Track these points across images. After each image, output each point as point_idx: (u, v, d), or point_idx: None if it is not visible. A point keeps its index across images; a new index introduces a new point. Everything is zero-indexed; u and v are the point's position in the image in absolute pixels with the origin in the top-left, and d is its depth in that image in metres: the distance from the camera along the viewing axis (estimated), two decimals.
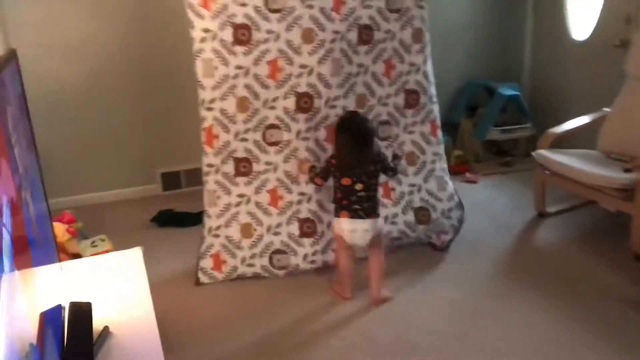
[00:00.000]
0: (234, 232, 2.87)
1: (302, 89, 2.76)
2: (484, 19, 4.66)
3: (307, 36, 2.69)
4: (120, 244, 3.06)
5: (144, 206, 3.92)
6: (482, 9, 4.64)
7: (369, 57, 2.86)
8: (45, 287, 1.34)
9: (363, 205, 2.58)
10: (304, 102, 2.77)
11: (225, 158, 2.80)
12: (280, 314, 2.65)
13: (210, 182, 2.83)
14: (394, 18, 2.85)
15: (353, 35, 2.79)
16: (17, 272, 1.00)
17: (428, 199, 3.09)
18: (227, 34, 2.63)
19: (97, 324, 1.54)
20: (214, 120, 2.76)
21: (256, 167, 2.83)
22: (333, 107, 2.81)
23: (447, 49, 4.48)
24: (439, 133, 3.09)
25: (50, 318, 1.29)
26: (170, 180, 4.22)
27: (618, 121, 3.37)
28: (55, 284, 1.50)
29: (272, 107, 2.77)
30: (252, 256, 2.89)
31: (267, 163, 2.83)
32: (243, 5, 2.60)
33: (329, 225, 2.82)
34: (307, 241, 2.88)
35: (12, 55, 1.31)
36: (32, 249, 1.17)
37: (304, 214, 2.87)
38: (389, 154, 2.91)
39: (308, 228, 2.88)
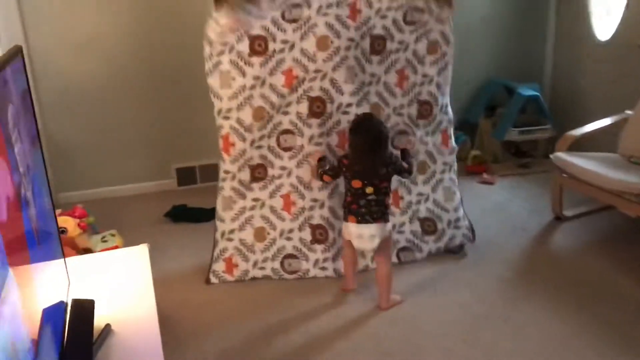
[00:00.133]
0: (248, 235, 2.87)
1: (315, 93, 2.72)
2: (505, 18, 4.59)
3: (323, 44, 2.66)
4: (133, 239, 3.08)
5: (158, 201, 3.93)
6: (503, 8, 4.56)
7: (382, 67, 2.81)
8: (48, 284, 1.34)
9: (371, 210, 2.55)
10: (317, 107, 2.74)
11: (242, 166, 2.81)
12: (288, 314, 2.64)
13: (227, 188, 2.84)
14: (409, 30, 2.79)
15: (366, 44, 2.75)
16: (10, 270, 1.00)
17: (434, 209, 3.06)
18: (244, 46, 2.63)
19: (99, 321, 1.54)
20: (231, 129, 2.76)
21: (270, 171, 2.83)
22: (345, 113, 2.77)
23: (467, 49, 4.41)
24: (451, 142, 3.06)
25: (50, 315, 1.29)
26: (185, 176, 4.23)
27: None
28: (59, 281, 1.51)
29: (286, 112, 2.75)
30: (264, 260, 2.90)
31: (282, 168, 2.83)
32: (262, 18, 2.60)
33: (341, 232, 2.80)
34: (318, 247, 2.88)
35: (16, 52, 1.31)
36: (31, 246, 1.17)
37: (316, 220, 2.85)
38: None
39: (320, 235, 2.86)
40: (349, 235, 2.63)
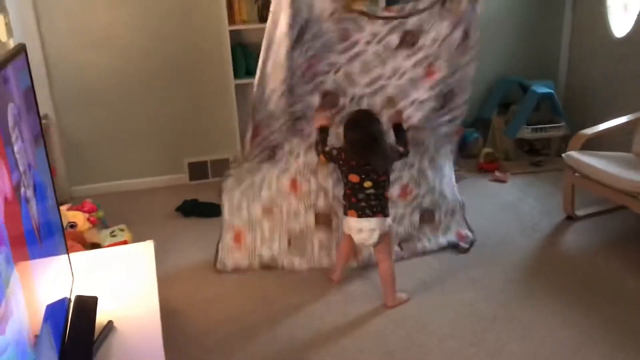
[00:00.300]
0: (257, 212, 2.90)
1: (328, 85, 2.72)
2: (520, 14, 4.53)
3: (343, 35, 2.63)
4: (144, 232, 3.12)
5: (170, 195, 3.96)
6: (518, 4, 4.51)
7: (409, 62, 2.73)
8: (51, 281, 1.36)
9: (371, 204, 2.54)
10: (329, 100, 2.75)
11: (262, 150, 2.82)
12: (293, 311, 2.65)
13: (241, 168, 2.86)
14: (445, 25, 2.69)
15: (394, 39, 2.68)
16: (15, 269, 1.02)
17: (437, 199, 3.10)
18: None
19: (102, 317, 1.56)
20: (261, 122, 2.71)
21: (280, 153, 2.85)
22: (359, 105, 2.77)
23: (481, 45, 4.35)
24: (457, 135, 3.11)
25: (52, 311, 1.31)
26: (197, 170, 4.25)
27: None
28: (63, 277, 1.52)
29: (301, 101, 2.74)
30: (272, 239, 2.93)
31: (290, 151, 2.85)
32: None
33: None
34: (323, 233, 2.91)
35: (19, 50, 1.32)
36: (32, 245, 1.18)
37: (320, 207, 2.88)
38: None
39: (324, 221, 2.88)
40: (349, 230, 2.63)
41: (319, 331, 2.50)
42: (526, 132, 4.24)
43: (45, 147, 1.50)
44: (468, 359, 2.29)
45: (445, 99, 2.87)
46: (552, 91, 4.22)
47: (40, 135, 1.45)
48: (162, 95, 4.05)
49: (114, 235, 2.54)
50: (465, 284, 2.82)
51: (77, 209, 2.60)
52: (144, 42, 3.91)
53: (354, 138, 2.53)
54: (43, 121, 3.61)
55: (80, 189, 4.04)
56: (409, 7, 2.63)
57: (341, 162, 2.60)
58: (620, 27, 3.99)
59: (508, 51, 4.59)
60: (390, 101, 2.81)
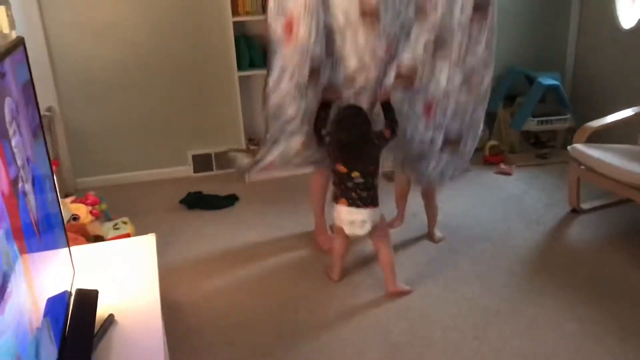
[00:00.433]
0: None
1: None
2: (527, 5, 4.49)
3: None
4: (148, 225, 3.13)
5: (174, 187, 3.97)
6: None
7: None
8: (51, 275, 1.36)
9: (361, 195, 2.52)
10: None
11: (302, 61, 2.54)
12: (296, 303, 2.65)
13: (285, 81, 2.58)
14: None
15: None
16: (18, 263, 1.02)
17: (462, 131, 2.83)
18: None
19: (103, 311, 1.55)
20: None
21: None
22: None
23: None
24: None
25: (53, 305, 1.31)
26: (202, 162, 4.25)
27: None
28: (64, 271, 1.52)
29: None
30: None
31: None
32: None
33: None
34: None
35: (17, 43, 1.31)
36: (30, 239, 1.18)
37: None
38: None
39: None
40: (340, 222, 2.61)
41: (321, 323, 2.50)
42: (532, 124, 4.20)
43: (45, 140, 1.49)
44: (471, 352, 2.29)
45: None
46: (558, 83, 4.18)
47: (40, 128, 1.45)
48: (166, 87, 4.04)
49: (116, 228, 2.55)
50: (469, 277, 2.81)
51: (80, 202, 2.60)
52: (148, 34, 3.90)
53: (342, 139, 2.49)
54: (47, 113, 3.63)
55: (85, 180, 4.04)
56: None
57: (329, 150, 2.58)
58: (628, 18, 3.95)
59: (514, 42, 4.54)
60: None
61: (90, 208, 2.57)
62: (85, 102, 3.93)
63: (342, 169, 2.53)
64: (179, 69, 4.02)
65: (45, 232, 1.33)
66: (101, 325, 1.51)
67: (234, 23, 3.72)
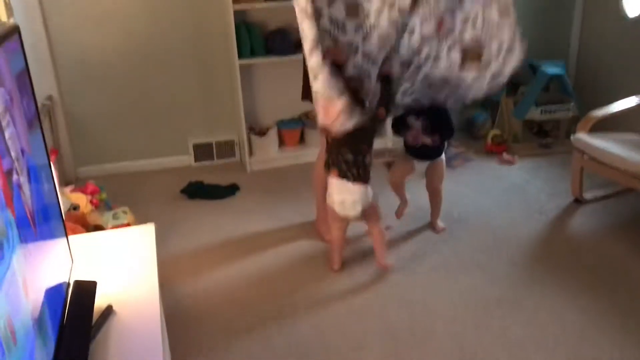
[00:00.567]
0: None
1: (349, 72, 2.51)
2: None
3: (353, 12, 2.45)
4: (148, 214, 3.13)
5: (175, 177, 3.96)
6: None
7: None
8: (49, 266, 1.35)
9: (352, 170, 2.53)
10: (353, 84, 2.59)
11: None
12: (296, 293, 2.65)
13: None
14: None
15: (404, 3, 2.41)
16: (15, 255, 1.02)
17: (481, 34, 2.42)
18: None
19: (102, 301, 1.55)
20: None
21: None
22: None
23: None
24: None
25: (51, 296, 1.30)
26: (203, 152, 4.24)
27: None
28: (62, 262, 1.51)
29: None
30: None
31: None
32: None
33: None
34: None
35: (12, 31, 1.29)
36: (24, 232, 1.17)
37: None
38: None
39: None
40: (332, 203, 2.62)
41: (321, 313, 2.49)
42: (535, 114, 4.17)
43: (42, 130, 1.48)
44: (472, 342, 2.28)
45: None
46: (562, 72, 4.14)
47: (37, 118, 1.43)
48: (166, 76, 4.02)
49: (116, 218, 2.54)
50: (471, 267, 2.80)
51: (80, 191, 2.59)
52: (148, 22, 3.87)
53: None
54: (47, 102, 3.61)
55: (86, 169, 4.03)
56: None
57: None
58: (633, 6, 3.90)
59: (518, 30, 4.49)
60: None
61: (90, 197, 2.56)
62: (85, 91, 3.91)
63: (333, 141, 2.55)
64: (180, 58, 4.00)
65: (41, 223, 1.31)
66: (99, 316, 1.50)
67: (235, 10, 3.68)
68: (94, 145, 4.03)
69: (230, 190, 3.74)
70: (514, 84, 4.40)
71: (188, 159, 4.23)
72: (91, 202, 2.56)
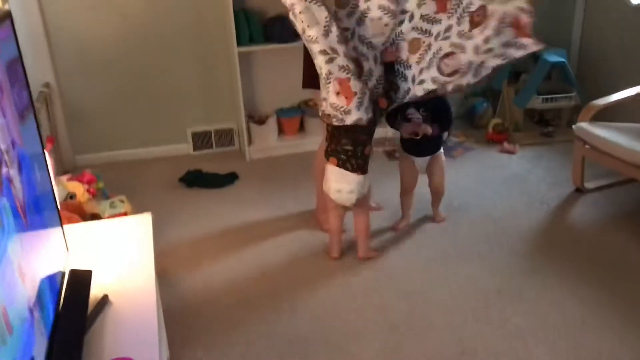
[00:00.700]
0: None
1: (350, 54, 2.45)
2: None
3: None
4: (146, 203, 3.09)
5: (173, 165, 3.93)
6: None
7: (414, 2, 2.45)
8: (43, 256, 1.33)
9: (350, 160, 2.52)
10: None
11: None
12: (295, 283, 2.63)
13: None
14: None
15: None
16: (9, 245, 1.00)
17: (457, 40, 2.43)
18: None
19: (98, 291, 1.53)
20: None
21: None
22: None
23: None
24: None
25: (46, 286, 1.29)
26: (201, 140, 4.21)
27: None
28: (57, 252, 1.50)
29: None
30: None
31: None
32: None
33: None
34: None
35: (3, 18, 1.26)
36: (15, 225, 1.14)
37: None
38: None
39: None
40: (328, 190, 2.61)
41: (320, 303, 2.48)
42: (537, 102, 4.13)
43: (37, 120, 1.45)
44: (472, 332, 2.27)
45: (475, 16, 2.42)
46: (564, 60, 4.10)
47: (31, 108, 1.40)
48: (165, 63, 3.98)
49: (113, 207, 2.51)
50: (471, 257, 2.78)
51: (76, 180, 2.57)
52: (146, 8, 3.83)
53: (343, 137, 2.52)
54: (44, 89, 3.58)
55: (85, 157, 4.01)
56: None
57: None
58: None
59: None
60: (414, 43, 2.53)
61: (86, 186, 2.53)
62: (83, 78, 3.87)
63: (333, 128, 2.53)
64: (178, 45, 3.96)
65: (33, 214, 1.29)
66: (95, 306, 1.48)
67: None
68: (92, 133, 4.00)
69: (229, 178, 3.71)
70: (515, 72, 4.37)
71: (186, 147, 4.21)
72: (88, 190, 2.53)
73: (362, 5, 2.42)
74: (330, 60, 2.35)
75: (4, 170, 1.10)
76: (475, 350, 2.18)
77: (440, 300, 2.47)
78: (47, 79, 3.70)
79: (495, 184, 3.53)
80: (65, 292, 1.44)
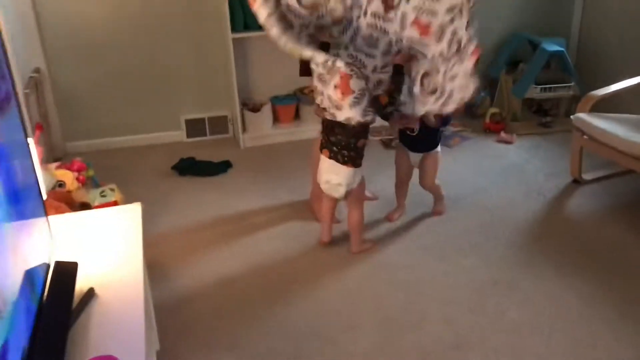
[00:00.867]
0: None
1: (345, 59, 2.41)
2: None
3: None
4: (138, 191, 3.06)
5: (166, 153, 3.88)
6: None
7: (396, 24, 2.40)
8: (26, 248, 1.29)
9: (342, 152, 2.47)
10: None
11: None
12: (289, 275, 2.59)
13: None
14: None
15: (378, 5, 2.40)
16: None
17: None
18: None
19: (83, 283, 1.49)
20: None
21: None
22: (385, 72, 2.51)
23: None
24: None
25: (30, 278, 1.24)
26: (195, 127, 4.15)
27: None
28: (41, 243, 1.45)
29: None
30: None
31: None
32: None
33: None
34: None
35: None
36: None
37: None
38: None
39: None
40: (319, 177, 2.59)
41: (314, 294, 2.44)
42: (535, 92, 4.09)
43: (20, 110, 1.39)
44: (467, 324, 2.24)
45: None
46: (563, 49, 4.05)
47: (13, 98, 1.34)
48: (158, 49, 3.91)
49: (103, 196, 2.46)
50: (467, 248, 2.75)
51: (65, 168, 2.51)
52: None
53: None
54: (35, 75, 3.51)
55: (76, 145, 3.94)
56: None
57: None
58: None
59: (518, 6, 4.40)
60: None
61: (76, 174, 2.48)
62: (74, 64, 3.80)
63: (327, 121, 2.49)
64: (172, 30, 3.88)
65: (13, 205, 1.23)
66: (80, 300, 1.44)
67: None
68: (83, 119, 3.93)
69: (223, 166, 3.66)
70: (513, 62, 4.32)
71: (180, 135, 4.15)
72: (77, 179, 2.48)
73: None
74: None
75: None
76: (470, 342, 2.15)
77: (435, 292, 2.44)
78: (37, 64, 3.63)
79: (492, 174, 3.50)
80: (50, 284, 1.40)
